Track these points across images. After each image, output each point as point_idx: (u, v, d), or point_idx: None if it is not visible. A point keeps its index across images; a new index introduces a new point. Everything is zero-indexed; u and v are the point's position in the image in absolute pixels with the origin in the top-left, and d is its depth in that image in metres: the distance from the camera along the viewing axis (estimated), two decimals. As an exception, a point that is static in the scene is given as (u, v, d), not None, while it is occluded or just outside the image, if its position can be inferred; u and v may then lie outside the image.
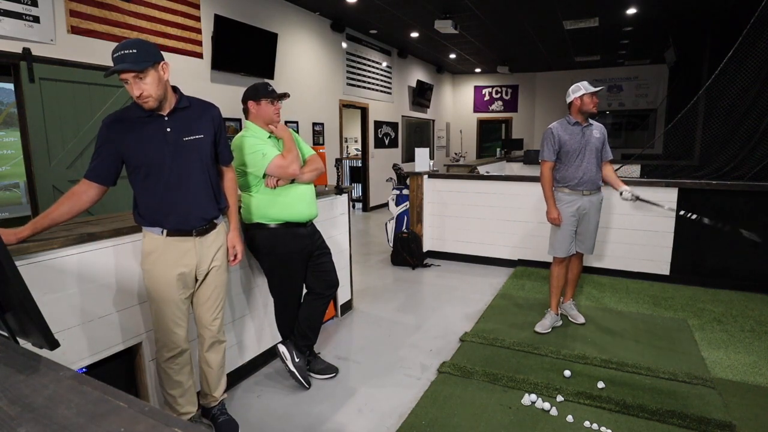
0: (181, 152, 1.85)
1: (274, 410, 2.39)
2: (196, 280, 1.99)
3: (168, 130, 1.83)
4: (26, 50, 3.47)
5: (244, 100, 2.39)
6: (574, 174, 3.13)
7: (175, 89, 1.89)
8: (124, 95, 4.14)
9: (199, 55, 5.03)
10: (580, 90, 3.09)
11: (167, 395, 2.04)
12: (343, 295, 3.66)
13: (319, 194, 3.13)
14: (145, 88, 1.72)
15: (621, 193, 3.20)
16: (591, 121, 3.20)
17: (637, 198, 3.20)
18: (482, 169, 7.08)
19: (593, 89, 3.07)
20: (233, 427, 2.18)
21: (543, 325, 3.29)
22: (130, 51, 1.67)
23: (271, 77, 5.98)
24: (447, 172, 6.22)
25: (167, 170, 1.83)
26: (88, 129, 3.91)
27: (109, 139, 1.79)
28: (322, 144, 7.39)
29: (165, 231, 1.87)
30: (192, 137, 1.88)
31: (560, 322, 3.39)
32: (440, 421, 2.24)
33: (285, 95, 2.44)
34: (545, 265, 4.62)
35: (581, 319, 3.42)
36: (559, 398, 2.40)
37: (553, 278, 3.31)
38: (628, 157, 8.76)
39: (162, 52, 1.79)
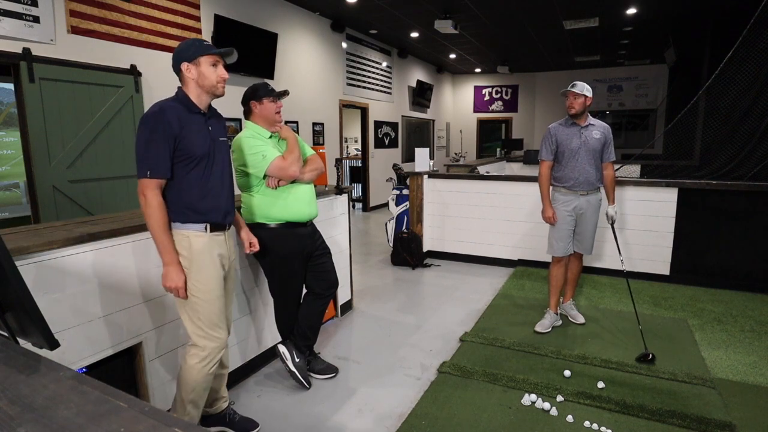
0: (218, 150, 1.92)
1: (274, 410, 2.39)
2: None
3: (209, 128, 1.90)
4: (26, 50, 3.47)
5: (246, 101, 2.39)
6: (570, 175, 3.12)
7: None
8: (124, 95, 4.14)
9: (199, 55, 5.03)
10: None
11: (194, 411, 1.96)
12: (343, 295, 3.66)
13: (319, 194, 3.13)
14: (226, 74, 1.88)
15: (607, 211, 3.23)
16: (593, 121, 3.16)
17: (611, 224, 3.24)
18: (482, 169, 7.08)
19: (567, 88, 3.06)
20: (253, 421, 2.21)
21: (543, 325, 3.29)
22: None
23: (271, 77, 5.98)
24: (447, 172, 6.22)
25: (212, 164, 1.88)
26: (88, 129, 3.91)
27: (170, 124, 1.74)
28: (322, 144, 7.39)
29: (208, 226, 1.88)
30: (223, 138, 1.97)
31: (560, 322, 3.39)
32: (440, 421, 2.24)
33: (285, 93, 2.45)
34: (545, 265, 4.61)
35: (581, 319, 3.42)
36: (559, 398, 2.40)
37: (552, 278, 3.31)
38: (628, 157, 8.75)
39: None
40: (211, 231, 1.89)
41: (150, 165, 1.72)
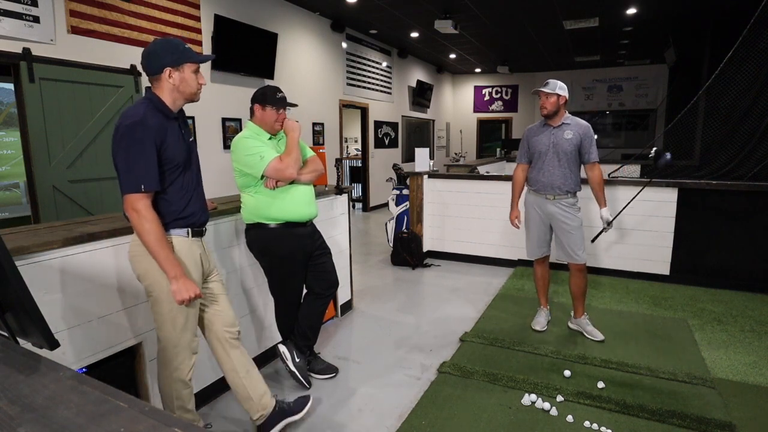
0: (192, 150, 1.90)
1: (274, 410, 2.39)
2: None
3: (182, 130, 1.85)
4: (26, 50, 3.47)
5: (252, 102, 2.38)
6: (537, 177, 3.06)
7: None
8: (124, 95, 4.14)
9: (199, 55, 5.03)
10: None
11: (188, 416, 1.95)
12: (343, 295, 3.66)
13: (319, 194, 3.13)
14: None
15: (601, 214, 3.06)
16: (569, 120, 2.99)
17: (605, 228, 3.08)
18: (482, 169, 7.08)
19: (540, 87, 2.97)
20: None
21: (539, 323, 3.30)
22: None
23: (271, 77, 5.97)
24: (447, 172, 6.22)
25: (189, 167, 1.86)
26: (88, 129, 3.91)
27: (155, 132, 1.68)
28: (322, 144, 7.39)
29: (190, 231, 1.85)
30: (191, 138, 1.92)
31: (549, 317, 3.41)
32: (440, 421, 2.24)
33: (293, 105, 2.44)
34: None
35: (599, 336, 3.11)
36: (559, 398, 2.40)
37: (536, 277, 3.37)
38: (628, 157, 8.76)
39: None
40: (194, 236, 1.87)
41: (141, 178, 1.64)
